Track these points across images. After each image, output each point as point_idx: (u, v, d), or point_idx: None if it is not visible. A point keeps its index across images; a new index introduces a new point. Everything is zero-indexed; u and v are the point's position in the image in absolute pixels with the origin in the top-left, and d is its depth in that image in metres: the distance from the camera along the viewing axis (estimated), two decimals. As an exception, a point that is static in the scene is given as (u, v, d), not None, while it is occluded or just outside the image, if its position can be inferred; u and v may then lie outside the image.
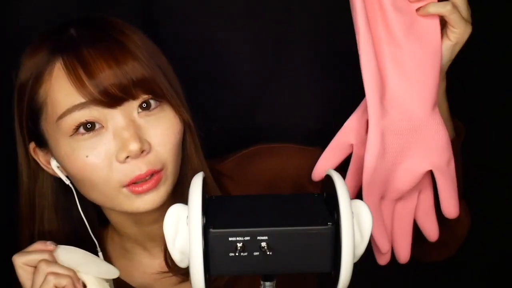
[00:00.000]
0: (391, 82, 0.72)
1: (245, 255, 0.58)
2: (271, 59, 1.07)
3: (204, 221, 0.58)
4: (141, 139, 0.70)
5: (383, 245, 0.75)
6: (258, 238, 0.58)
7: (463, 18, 0.70)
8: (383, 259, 0.78)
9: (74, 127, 0.70)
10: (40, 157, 0.77)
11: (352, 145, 0.76)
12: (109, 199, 0.73)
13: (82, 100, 0.69)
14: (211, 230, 0.58)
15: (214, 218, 0.60)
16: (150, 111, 0.72)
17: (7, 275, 1.07)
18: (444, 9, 0.70)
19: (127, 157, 0.70)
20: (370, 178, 0.72)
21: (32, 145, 0.77)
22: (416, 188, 0.75)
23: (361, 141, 0.75)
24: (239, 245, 0.58)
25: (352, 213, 0.59)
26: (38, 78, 0.71)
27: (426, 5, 0.71)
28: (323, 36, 1.05)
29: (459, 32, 0.71)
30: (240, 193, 0.86)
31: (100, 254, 0.81)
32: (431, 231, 0.78)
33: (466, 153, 0.93)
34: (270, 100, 1.09)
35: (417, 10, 0.72)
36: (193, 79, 0.90)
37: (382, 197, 0.75)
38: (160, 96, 0.73)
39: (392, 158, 0.72)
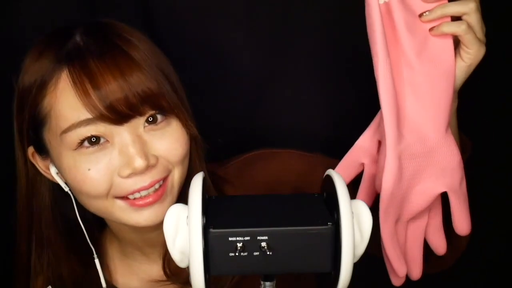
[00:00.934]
0: (406, 105, 0.71)
1: (245, 255, 0.58)
2: (272, 60, 1.07)
3: (204, 221, 0.58)
4: (146, 155, 0.70)
5: (400, 269, 0.74)
6: (258, 238, 0.58)
7: (477, 38, 0.68)
8: (398, 281, 0.77)
9: (78, 141, 0.69)
10: (38, 162, 0.76)
11: (363, 164, 0.76)
12: (107, 212, 0.73)
13: (89, 116, 0.67)
14: (211, 230, 0.58)
15: (214, 218, 0.60)
16: (156, 125, 0.71)
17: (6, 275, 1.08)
18: (459, 28, 0.67)
19: (131, 173, 0.69)
20: (387, 203, 0.71)
21: (30, 150, 0.76)
22: (428, 207, 0.75)
23: (372, 160, 0.75)
24: (239, 245, 0.58)
25: (352, 213, 0.59)
26: (42, 88, 0.70)
27: (439, 24, 0.69)
28: (325, 37, 1.04)
29: (473, 53, 0.68)
30: None
31: (96, 260, 0.80)
32: (440, 246, 0.77)
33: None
34: (271, 101, 1.09)
35: (430, 29, 0.70)
36: (194, 79, 0.90)
37: (396, 220, 0.74)
38: (167, 111, 0.72)
39: (407, 182, 0.72)
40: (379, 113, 0.75)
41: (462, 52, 0.69)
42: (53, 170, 0.75)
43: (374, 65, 0.68)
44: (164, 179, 0.73)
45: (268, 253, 0.58)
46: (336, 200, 0.59)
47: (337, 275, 0.59)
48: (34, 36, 0.99)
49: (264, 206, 0.65)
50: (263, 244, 0.58)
